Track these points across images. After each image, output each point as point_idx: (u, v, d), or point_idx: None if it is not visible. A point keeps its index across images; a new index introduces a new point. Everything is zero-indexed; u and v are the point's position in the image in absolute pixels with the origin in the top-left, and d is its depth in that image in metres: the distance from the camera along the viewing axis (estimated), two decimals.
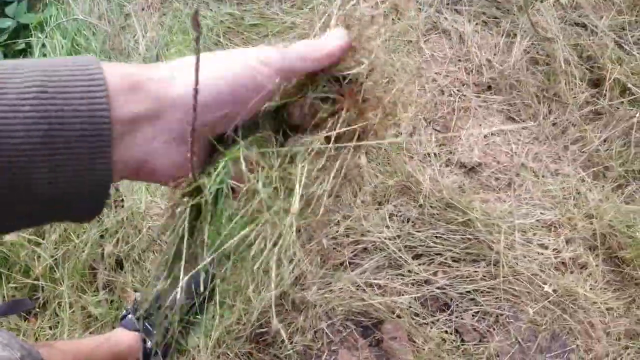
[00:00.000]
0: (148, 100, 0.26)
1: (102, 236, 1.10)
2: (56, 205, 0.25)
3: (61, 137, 0.23)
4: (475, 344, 1.01)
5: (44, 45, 1.25)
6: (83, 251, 1.07)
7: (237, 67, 0.28)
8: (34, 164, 0.23)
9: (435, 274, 1.01)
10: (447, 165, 1.09)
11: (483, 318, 1.02)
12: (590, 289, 1.03)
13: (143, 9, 1.23)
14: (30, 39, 1.26)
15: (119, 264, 1.10)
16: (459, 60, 1.15)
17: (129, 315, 0.89)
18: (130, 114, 0.26)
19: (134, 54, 1.18)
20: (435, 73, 1.14)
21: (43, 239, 1.10)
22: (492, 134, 1.11)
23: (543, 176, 1.08)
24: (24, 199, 0.24)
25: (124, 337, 0.83)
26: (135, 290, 1.08)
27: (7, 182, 0.23)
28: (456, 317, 1.01)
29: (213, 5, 1.20)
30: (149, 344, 0.84)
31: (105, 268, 1.07)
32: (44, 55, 1.24)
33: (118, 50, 1.20)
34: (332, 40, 0.31)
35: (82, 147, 0.24)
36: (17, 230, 0.29)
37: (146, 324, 0.85)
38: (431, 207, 1.01)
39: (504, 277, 1.00)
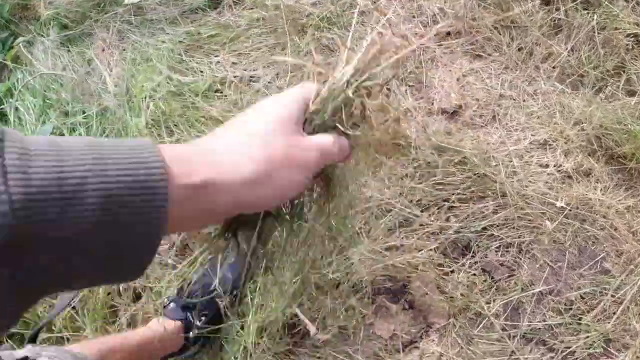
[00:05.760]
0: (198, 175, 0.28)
1: None
2: (113, 256, 0.25)
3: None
4: (506, 279, 0.99)
5: (17, 108, 1.27)
6: (98, 293, 1.06)
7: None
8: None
9: (447, 220, 1.00)
10: (429, 115, 1.10)
11: (506, 251, 1.00)
12: (602, 193, 1.02)
13: (103, 50, 1.26)
14: (2, 106, 1.28)
15: (137, 296, 1.08)
16: (413, 17, 1.18)
17: (171, 305, 0.90)
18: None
19: (104, 93, 1.21)
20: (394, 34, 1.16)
21: None
22: (463, 75, 1.13)
23: (524, 100, 1.09)
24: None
25: (166, 326, 0.84)
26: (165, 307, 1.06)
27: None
28: (480, 258, 0.99)
29: (169, 29, 1.23)
30: (190, 333, 0.86)
31: (126, 303, 1.06)
32: (19, 119, 1.26)
33: (88, 94, 1.22)
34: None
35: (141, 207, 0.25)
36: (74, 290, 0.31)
37: (187, 313, 0.87)
38: (425, 157, 1.01)
39: (514, 204, 0.99)
